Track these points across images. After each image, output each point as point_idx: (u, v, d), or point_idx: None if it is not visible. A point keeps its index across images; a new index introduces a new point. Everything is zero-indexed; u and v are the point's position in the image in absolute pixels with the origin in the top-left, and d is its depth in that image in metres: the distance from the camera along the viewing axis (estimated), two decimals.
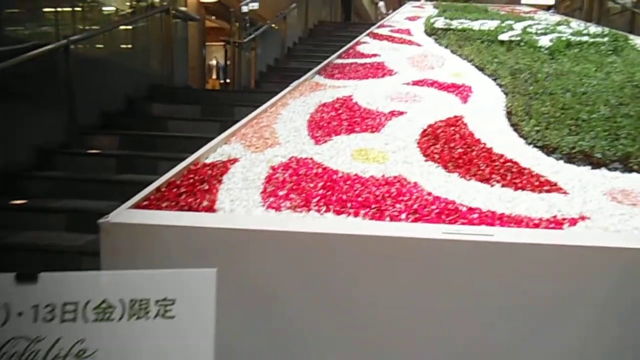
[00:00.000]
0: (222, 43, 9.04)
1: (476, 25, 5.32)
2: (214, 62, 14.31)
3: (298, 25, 8.92)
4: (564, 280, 1.31)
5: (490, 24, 5.41)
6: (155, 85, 4.93)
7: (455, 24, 5.41)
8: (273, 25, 7.62)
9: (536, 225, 1.47)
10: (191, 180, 1.76)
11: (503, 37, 4.53)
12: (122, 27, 4.70)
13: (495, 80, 3.34)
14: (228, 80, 8.31)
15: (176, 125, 4.23)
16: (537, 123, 2.32)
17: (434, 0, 10.65)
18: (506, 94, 2.99)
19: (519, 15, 6.83)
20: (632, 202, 1.64)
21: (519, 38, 4.44)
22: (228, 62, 7.04)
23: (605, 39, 4.51)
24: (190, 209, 1.55)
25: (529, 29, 5.01)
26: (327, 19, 10.17)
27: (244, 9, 10.00)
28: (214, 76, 14.40)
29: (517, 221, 1.50)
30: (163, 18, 4.87)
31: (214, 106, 4.61)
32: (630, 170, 1.90)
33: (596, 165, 1.96)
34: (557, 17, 7.19)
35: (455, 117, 2.53)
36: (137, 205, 1.52)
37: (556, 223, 1.49)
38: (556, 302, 1.32)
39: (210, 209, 1.55)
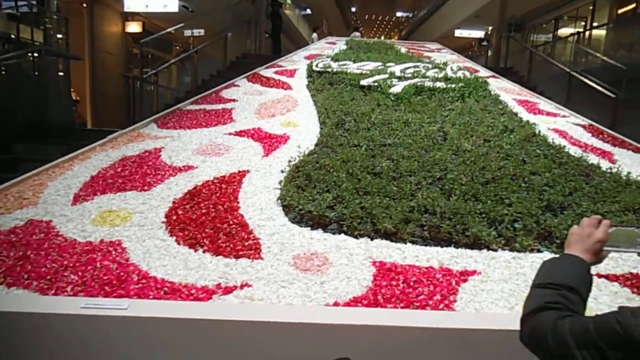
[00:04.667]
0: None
1: (354, 67, 5.60)
2: None
3: (217, 57, 9.06)
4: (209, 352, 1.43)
5: (370, 66, 5.70)
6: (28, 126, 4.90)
7: (334, 66, 5.67)
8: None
9: (187, 296, 1.60)
10: None
11: (364, 82, 4.79)
12: None
13: (321, 129, 3.53)
14: None
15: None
16: (292, 182, 2.49)
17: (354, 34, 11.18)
18: (316, 145, 3.17)
19: (415, 55, 7.19)
20: (306, 268, 1.79)
21: (376, 83, 4.71)
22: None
23: (460, 84, 4.83)
24: None
25: (398, 73, 5.31)
26: (252, 52, 10.36)
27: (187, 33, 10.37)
28: None
29: (175, 291, 1.62)
30: (36, 58, 4.90)
31: None
32: (340, 232, 2.06)
33: (316, 226, 2.12)
34: (450, 57, 7.55)
35: (240, 172, 2.68)
36: None
37: (208, 292, 1.62)
38: None
39: None
